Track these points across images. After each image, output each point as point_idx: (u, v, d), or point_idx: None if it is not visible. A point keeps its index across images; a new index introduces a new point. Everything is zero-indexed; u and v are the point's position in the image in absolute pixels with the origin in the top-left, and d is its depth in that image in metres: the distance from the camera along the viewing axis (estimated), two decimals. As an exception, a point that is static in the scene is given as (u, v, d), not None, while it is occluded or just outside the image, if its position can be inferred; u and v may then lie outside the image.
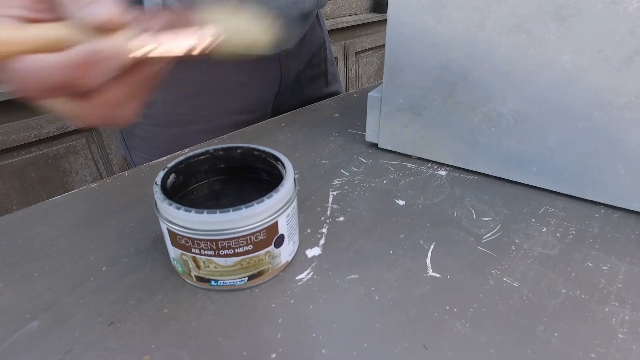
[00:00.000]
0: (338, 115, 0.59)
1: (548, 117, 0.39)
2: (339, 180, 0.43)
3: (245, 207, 0.27)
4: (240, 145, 0.35)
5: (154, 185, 0.30)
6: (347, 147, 0.50)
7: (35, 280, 0.31)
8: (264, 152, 0.34)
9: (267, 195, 0.28)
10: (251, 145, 0.35)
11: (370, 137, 0.49)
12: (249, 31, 0.23)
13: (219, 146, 0.35)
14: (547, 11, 0.35)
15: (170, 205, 0.28)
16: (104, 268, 0.32)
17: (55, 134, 1.02)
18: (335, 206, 0.40)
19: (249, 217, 0.27)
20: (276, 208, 0.29)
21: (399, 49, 0.43)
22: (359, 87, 1.95)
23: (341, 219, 0.38)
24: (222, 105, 0.59)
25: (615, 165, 0.38)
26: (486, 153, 0.43)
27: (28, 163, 1.01)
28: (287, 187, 0.30)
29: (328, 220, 0.38)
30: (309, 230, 0.36)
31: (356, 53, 1.83)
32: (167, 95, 0.55)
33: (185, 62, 0.54)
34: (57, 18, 0.21)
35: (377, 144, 0.49)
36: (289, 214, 0.30)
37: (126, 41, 0.20)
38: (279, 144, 0.51)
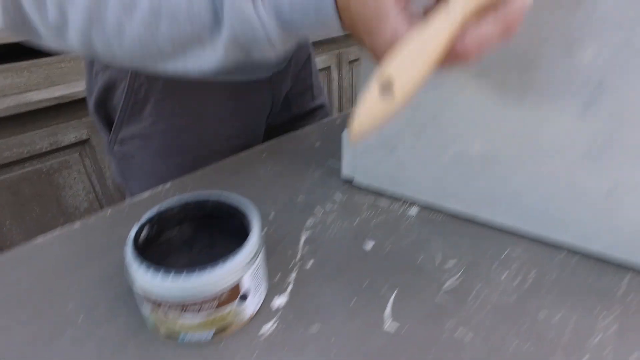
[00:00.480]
0: (319, 144, 0.60)
1: (513, 160, 0.40)
2: (312, 220, 0.45)
3: (209, 270, 0.29)
4: (210, 198, 0.37)
5: (126, 245, 0.32)
6: (324, 181, 0.52)
7: (13, 333, 0.33)
8: (232, 206, 0.36)
9: (231, 255, 0.30)
10: (221, 198, 0.37)
11: (346, 172, 0.51)
12: None
13: (192, 198, 0.37)
14: (509, 59, 0.37)
15: (139, 267, 0.29)
16: (81, 317, 0.34)
17: (48, 149, 1.05)
18: (306, 249, 0.41)
19: (213, 278, 0.29)
20: (240, 267, 0.31)
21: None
22: (352, 95, 1.96)
23: (310, 263, 0.40)
24: (218, 132, 0.61)
25: (575, 208, 0.39)
26: (456, 191, 0.45)
27: (22, 179, 1.04)
28: (250, 245, 0.31)
29: (297, 266, 0.40)
30: (278, 277, 0.38)
31: (349, 62, 1.84)
32: (165, 128, 0.57)
33: (183, 92, 0.55)
34: None
35: (352, 182, 0.51)
36: (254, 270, 0.32)
37: None
38: (259, 177, 0.53)
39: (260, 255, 0.33)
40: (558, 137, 0.37)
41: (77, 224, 0.46)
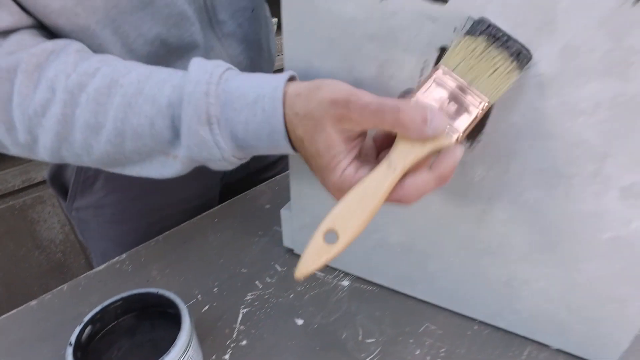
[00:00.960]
0: (269, 206, 0.65)
1: (427, 250, 0.45)
2: (251, 295, 0.50)
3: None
4: (150, 292, 0.41)
5: (68, 346, 0.36)
6: (268, 250, 0.56)
7: None
8: (169, 300, 0.40)
9: (158, 360, 0.35)
10: (159, 292, 0.41)
11: (287, 242, 0.56)
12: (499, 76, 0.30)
13: (133, 293, 0.41)
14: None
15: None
16: (31, 406, 0.39)
17: (21, 186, 1.08)
18: (242, 327, 0.46)
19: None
20: (167, 369, 0.35)
21: (301, 179, 0.49)
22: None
23: (244, 342, 0.44)
24: (170, 198, 0.64)
25: (482, 293, 0.45)
26: (380, 269, 0.50)
27: (-5, 216, 1.07)
28: (177, 349, 0.36)
29: (232, 345, 0.44)
30: (214, 357, 0.43)
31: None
32: (117, 199, 0.61)
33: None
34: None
35: (293, 250, 0.56)
36: (184, 365, 0.37)
37: (453, 140, 0.30)
38: (208, 246, 0.57)
39: (190, 349, 0.38)
40: (462, 236, 0.42)
41: (34, 302, 0.50)
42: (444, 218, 0.42)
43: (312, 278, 0.52)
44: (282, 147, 0.35)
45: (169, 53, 0.50)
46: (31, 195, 1.12)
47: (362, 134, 0.33)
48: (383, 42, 0.35)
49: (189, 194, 0.66)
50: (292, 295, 0.50)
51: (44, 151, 0.40)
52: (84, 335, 0.39)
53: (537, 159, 0.34)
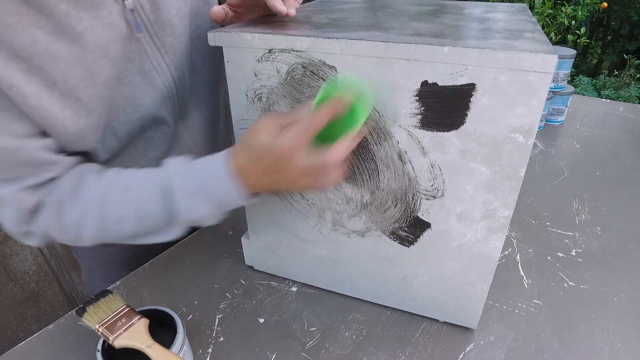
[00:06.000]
0: (231, 232, 0.85)
1: (348, 261, 0.66)
2: (224, 304, 0.69)
3: (152, 364, 0.53)
4: (150, 308, 0.60)
5: (97, 352, 0.55)
6: (233, 269, 0.76)
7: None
8: (166, 313, 0.59)
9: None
10: (158, 308, 0.60)
11: (248, 261, 0.76)
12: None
13: (138, 310, 0.60)
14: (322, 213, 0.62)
15: (108, 367, 0.53)
16: (70, 397, 0.57)
17: (-6, 225, 1.22)
18: (218, 328, 0.66)
19: (155, 369, 0.53)
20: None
21: (255, 216, 0.69)
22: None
23: (221, 339, 0.64)
24: None
25: (388, 287, 0.66)
26: (318, 276, 0.71)
27: (-31, 255, 1.21)
28: (175, 346, 0.55)
29: (213, 341, 0.64)
30: (200, 351, 0.62)
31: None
32: None
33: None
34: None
35: (253, 267, 0.76)
36: (181, 355, 0.56)
37: None
38: (185, 269, 0.76)
39: (184, 345, 0.57)
40: (369, 249, 0.63)
41: (51, 326, 0.67)
42: (355, 238, 0.63)
43: (269, 287, 0.72)
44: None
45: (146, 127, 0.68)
46: (2, 232, 1.26)
47: None
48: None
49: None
50: (254, 302, 0.70)
51: (87, 242, 0.59)
52: (106, 345, 0.57)
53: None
